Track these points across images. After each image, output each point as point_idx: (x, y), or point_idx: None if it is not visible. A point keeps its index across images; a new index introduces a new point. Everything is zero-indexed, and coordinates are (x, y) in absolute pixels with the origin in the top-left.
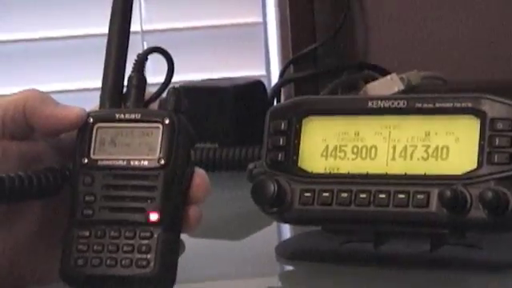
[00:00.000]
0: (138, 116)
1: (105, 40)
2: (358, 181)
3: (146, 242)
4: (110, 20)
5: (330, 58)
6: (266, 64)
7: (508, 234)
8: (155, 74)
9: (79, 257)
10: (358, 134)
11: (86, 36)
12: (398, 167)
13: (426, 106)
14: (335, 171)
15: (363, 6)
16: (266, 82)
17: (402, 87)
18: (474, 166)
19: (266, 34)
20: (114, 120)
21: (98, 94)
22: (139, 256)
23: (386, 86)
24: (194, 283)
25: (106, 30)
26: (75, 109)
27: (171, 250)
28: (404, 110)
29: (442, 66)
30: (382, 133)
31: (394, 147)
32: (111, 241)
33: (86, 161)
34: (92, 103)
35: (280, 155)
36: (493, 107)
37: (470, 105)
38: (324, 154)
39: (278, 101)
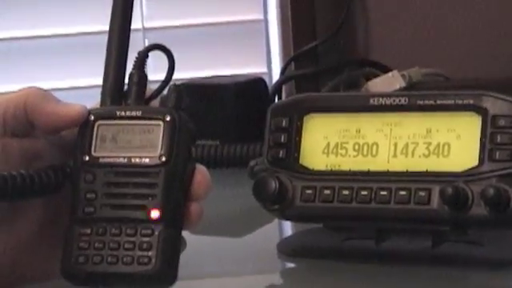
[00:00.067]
0: (139, 113)
1: (105, 37)
2: (359, 178)
3: (147, 239)
4: (111, 17)
5: (331, 55)
6: (267, 61)
7: (509, 230)
8: (156, 72)
9: (80, 254)
10: (360, 131)
11: (85, 33)
12: (399, 164)
13: (427, 102)
14: (336, 168)
15: (364, 3)
16: (267, 80)
17: (403, 84)
18: (476, 162)
19: (268, 31)
20: (114, 117)
21: (99, 91)
22: (140, 253)
23: (387, 83)
24: (196, 280)
25: (105, 27)
26: (76, 106)
27: (172, 247)
28: (405, 107)
29: (444, 63)
30: (383, 130)
31: (396, 144)
32: (112, 238)
33: (87, 158)
34: (93, 100)
35: (281, 152)
36: (494, 104)
37: (471, 102)
38: (325, 151)
39: (280, 98)
